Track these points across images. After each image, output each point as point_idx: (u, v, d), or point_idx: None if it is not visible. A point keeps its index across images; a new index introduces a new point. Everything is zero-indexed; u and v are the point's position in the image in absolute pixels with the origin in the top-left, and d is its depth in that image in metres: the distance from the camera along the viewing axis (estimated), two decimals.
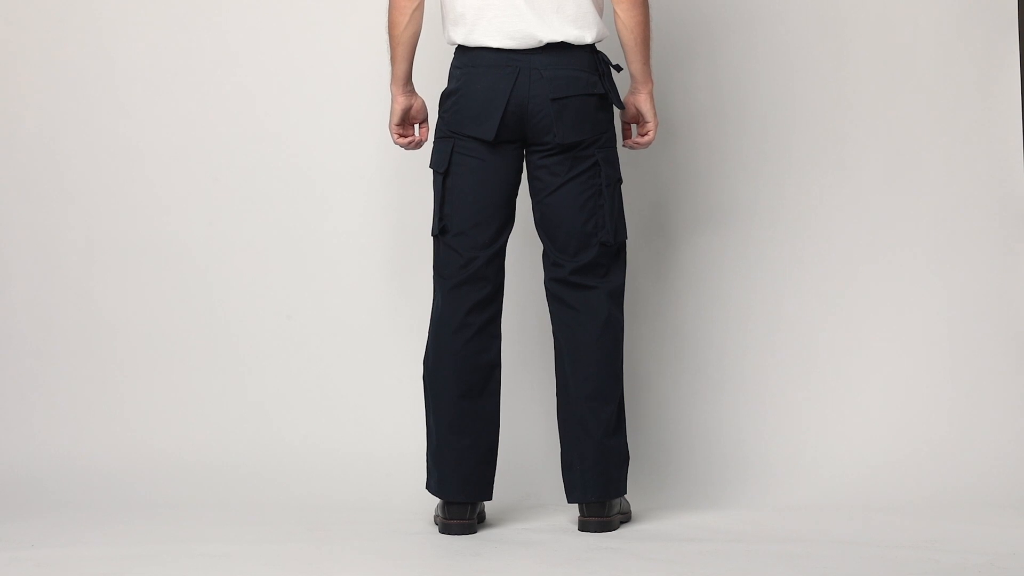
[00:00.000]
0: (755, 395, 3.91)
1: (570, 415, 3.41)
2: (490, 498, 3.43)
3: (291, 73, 4.02)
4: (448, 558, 3.22)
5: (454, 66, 3.38)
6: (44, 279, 4.06)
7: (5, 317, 4.06)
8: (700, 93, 3.97)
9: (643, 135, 3.48)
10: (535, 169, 3.40)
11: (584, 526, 3.39)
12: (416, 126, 3.51)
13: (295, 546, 3.30)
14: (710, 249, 3.96)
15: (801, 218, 3.95)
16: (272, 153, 4.02)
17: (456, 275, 3.38)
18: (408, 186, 3.92)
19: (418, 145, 3.52)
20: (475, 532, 3.39)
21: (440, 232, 3.39)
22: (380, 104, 3.56)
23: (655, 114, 3.45)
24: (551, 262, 3.42)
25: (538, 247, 3.49)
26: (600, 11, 3.37)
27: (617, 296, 3.42)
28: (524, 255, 3.76)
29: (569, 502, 3.42)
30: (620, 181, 3.43)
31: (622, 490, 3.42)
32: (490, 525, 3.47)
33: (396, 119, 3.46)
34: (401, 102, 3.44)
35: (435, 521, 3.44)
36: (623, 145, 3.54)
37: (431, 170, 3.42)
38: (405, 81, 3.42)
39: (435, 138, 3.41)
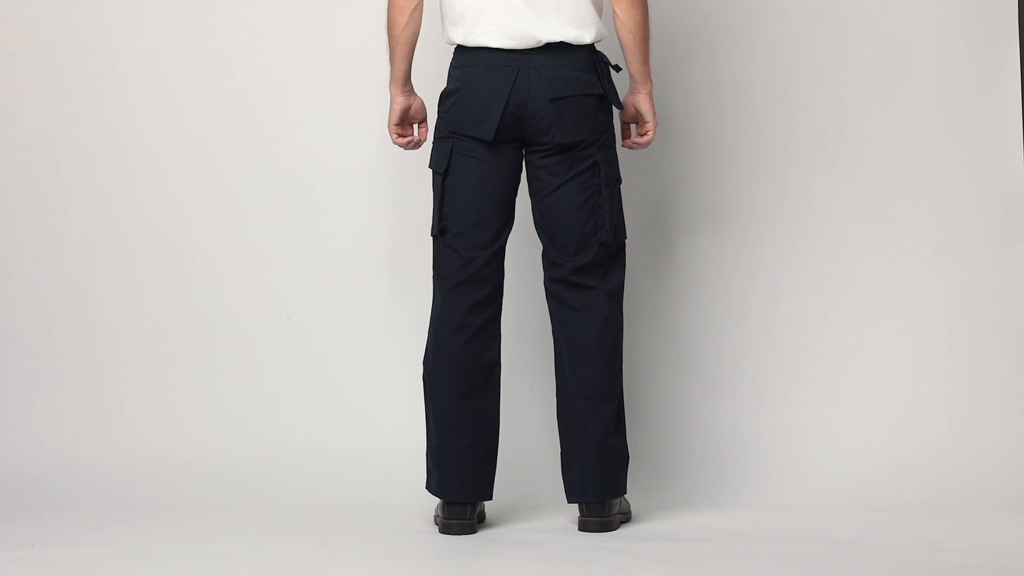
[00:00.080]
0: (755, 395, 3.91)
1: (570, 415, 3.41)
2: (490, 498, 3.43)
3: (291, 73, 4.02)
4: (448, 558, 3.22)
5: (453, 66, 3.38)
6: (44, 279, 4.06)
7: (5, 317, 4.06)
8: (699, 93, 3.97)
9: (642, 135, 3.48)
10: (534, 169, 3.40)
11: (584, 526, 3.39)
12: (415, 126, 3.51)
13: (295, 546, 3.30)
14: (709, 249, 3.96)
15: (800, 218, 3.95)
16: (272, 153, 4.02)
17: (456, 275, 3.38)
18: (408, 186, 3.92)
19: (417, 145, 3.52)
20: (475, 532, 3.39)
21: (440, 232, 3.39)
22: (380, 104, 3.56)
23: (654, 114, 3.45)
24: (550, 262, 3.42)
25: (538, 247, 3.49)
26: (599, 11, 3.37)
27: (616, 296, 3.42)
28: (524, 255, 3.76)
29: (569, 502, 3.42)
30: (619, 181, 3.43)
31: (622, 490, 3.42)
32: (490, 525, 3.47)
33: (395, 119, 3.46)
34: (400, 102, 3.44)
35: (435, 521, 3.44)
36: (622, 145, 3.53)
37: (430, 170, 3.42)
38: (404, 81, 3.42)
39: (434, 138, 3.41)
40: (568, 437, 3.41)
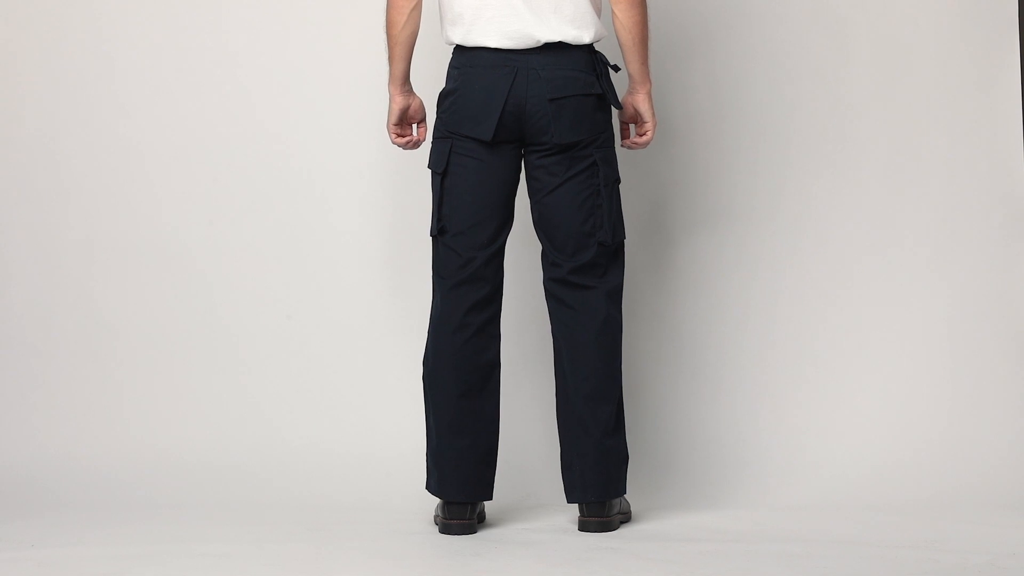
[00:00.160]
0: (754, 395, 3.91)
1: (569, 415, 3.41)
2: (490, 498, 3.43)
3: (290, 73, 4.02)
4: (448, 558, 3.22)
5: (452, 66, 3.38)
6: (44, 279, 4.06)
7: (5, 317, 4.06)
8: (698, 93, 3.96)
9: (641, 135, 3.48)
10: (533, 169, 3.40)
11: (584, 526, 3.39)
12: (414, 126, 3.51)
13: (295, 546, 3.30)
14: (708, 249, 3.96)
15: (800, 218, 3.95)
16: (272, 153, 4.02)
17: (455, 275, 3.38)
18: (408, 186, 3.92)
19: (416, 145, 3.52)
20: (475, 532, 3.39)
21: (439, 232, 3.39)
22: (379, 104, 3.56)
23: (653, 114, 3.45)
24: (549, 262, 3.42)
25: (537, 247, 3.49)
26: (598, 11, 3.37)
27: (615, 296, 3.42)
28: (523, 255, 3.76)
29: (569, 502, 3.42)
30: (618, 181, 3.43)
31: (622, 490, 3.42)
32: (490, 525, 3.47)
33: (394, 119, 3.46)
34: (399, 102, 3.44)
35: (435, 521, 3.44)
36: (621, 145, 3.53)
37: (429, 170, 3.42)
38: (403, 81, 3.42)
39: (433, 138, 3.41)
40: (568, 437, 3.41)
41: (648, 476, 3.75)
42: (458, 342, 3.36)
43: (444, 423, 3.37)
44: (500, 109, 3.31)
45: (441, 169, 3.37)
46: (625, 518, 3.47)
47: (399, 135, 3.48)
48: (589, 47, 3.36)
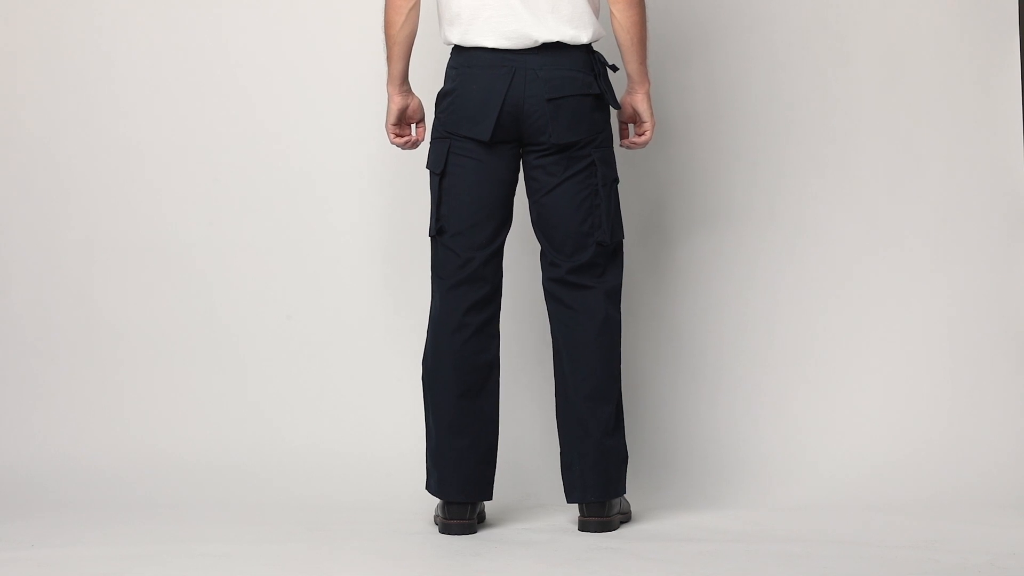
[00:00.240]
0: (754, 395, 3.91)
1: (569, 415, 3.41)
2: (490, 498, 3.43)
3: (290, 73, 4.02)
4: (448, 558, 3.22)
5: (450, 66, 3.38)
6: (44, 279, 4.07)
7: (5, 317, 4.06)
8: (697, 93, 3.96)
9: (640, 135, 3.48)
10: (531, 169, 3.40)
11: (584, 526, 3.39)
12: (413, 126, 3.51)
13: (295, 546, 3.30)
14: (707, 249, 3.95)
15: (799, 217, 3.95)
16: (272, 153, 4.02)
17: (454, 275, 3.38)
18: (407, 186, 3.92)
19: (415, 145, 3.52)
20: (475, 532, 3.39)
21: (437, 232, 3.39)
22: (378, 104, 3.56)
23: (652, 114, 3.45)
24: (548, 262, 3.42)
25: (536, 247, 3.49)
26: (596, 11, 3.37)
27: (614, 296, 3.42)
28: (523, 255, 3.76)
29: (569, 502, 3.42)
30: (617, 181, 3.43)
31: (621, 490, 3.42)
32: (490, 525, 3.47)
33: (392, 119, 3.46)
34: (397, 102, 3.44)
35: (435, 521, 3.44)
36: (620, 145, 3.53)
37: (428, 170, 3.42)
38: (401, 81, 3.42)
39: (431, 138, 3.41)
40: (567, 437, 3.41)
41: (648, 476, 3.75)
42: (457, 342, 3.36)
43: (444, 423, 3.37)
44: (498, 109, 3.31)
45: (439, 169, 3.37)
46: (625, 518, 3.47)
47: (398, 135, 3.48)
48: (587, 47, 3.36)
